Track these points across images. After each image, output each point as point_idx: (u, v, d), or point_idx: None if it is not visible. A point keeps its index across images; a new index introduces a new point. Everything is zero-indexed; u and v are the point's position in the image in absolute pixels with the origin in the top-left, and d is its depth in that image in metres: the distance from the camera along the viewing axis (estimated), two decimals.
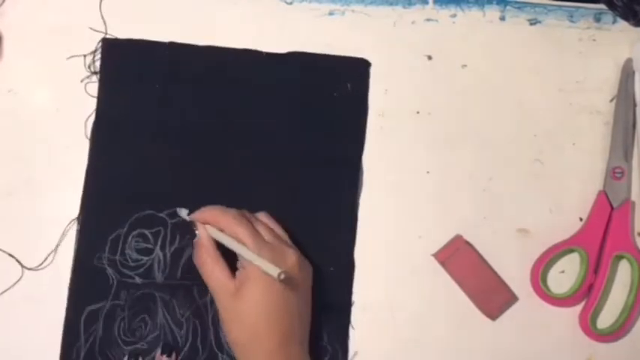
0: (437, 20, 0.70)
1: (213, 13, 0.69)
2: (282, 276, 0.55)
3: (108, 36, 0.67)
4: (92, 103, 0.66)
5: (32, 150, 0.66)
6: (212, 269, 0.59)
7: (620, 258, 0.66)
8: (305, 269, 0.60)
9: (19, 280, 0.64)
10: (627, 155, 0.67)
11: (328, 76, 0.67)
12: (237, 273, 0.59)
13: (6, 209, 0.65)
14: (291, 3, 0.69)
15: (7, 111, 0.67)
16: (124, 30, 0.68)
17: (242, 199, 0.65)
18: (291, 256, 0.60)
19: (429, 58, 0.69)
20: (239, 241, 0.58)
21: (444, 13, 0.70)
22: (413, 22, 0.69)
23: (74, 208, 0.65)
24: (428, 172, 0.67)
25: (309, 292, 0.61)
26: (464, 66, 0.69)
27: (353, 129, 0.67)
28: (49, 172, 0.66)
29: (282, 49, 0.68)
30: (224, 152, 0.66)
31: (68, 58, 0.67)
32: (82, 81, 0.67)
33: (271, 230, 0.61)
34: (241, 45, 0.68)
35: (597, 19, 0.70)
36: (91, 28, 0.67)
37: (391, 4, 0.70)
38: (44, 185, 0.66)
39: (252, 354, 0.58)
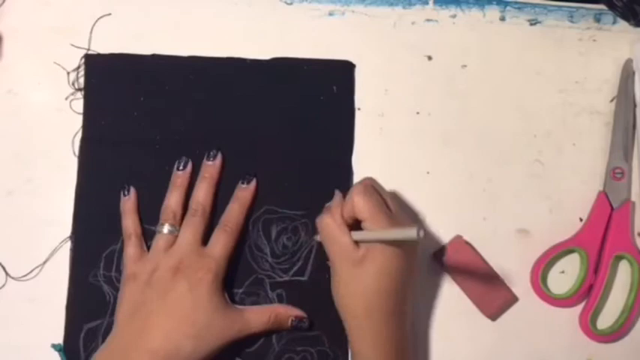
0: (437, 20, 0.70)
1: (213, 13, 0.69)
2: (422, 232, 0.52)
3: (90, 52, 0.67)
4: (77, 120, 0.66)
5: (32, 151, 0.66)
6: (338, 235, 0.58)
7: (620, 258, 0.66)
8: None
9: (2, 287, 0.64)
10: (627, 155, 0.67)
11: (314, 80, 0.67)
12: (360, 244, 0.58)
13: (4, 211, 0.65)
14: (291, 3, 0.69)
15: (7, 111, 0.67)
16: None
17: None
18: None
19: (429, 58, 0.69)
20: (370, 216, 0.58)
21: (444, 13, 0.70)
22: (413, 23, 0.69)
23: (71, 212, 0.65)
24: (428, 173, 0.67)
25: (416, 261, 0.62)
26: (464, 66, 0.69)
27: (342, 131, 0.67)
28: (48, 173, 0.66)
29: (281, 49, 0.68)
30: None
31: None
32: (66, 98, 0.67)
33: (395, 199, 0.61)
34: (241, 45, 0.68)
35: (597, 20, 0.70)
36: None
37: (391, 4, 0.70)
38: (43, 187, 0.65)
39: (366, 324, 0.58)
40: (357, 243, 0.58)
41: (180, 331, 0.58)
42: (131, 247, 0.63)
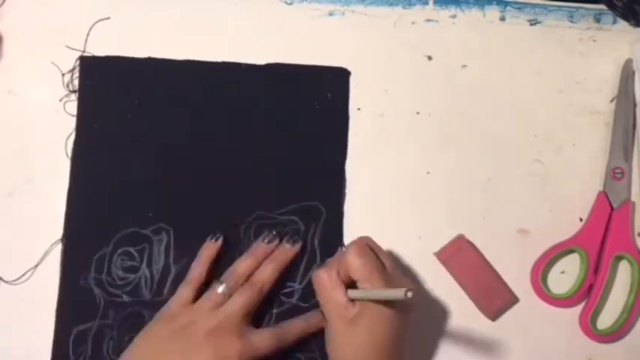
0: (437, 20, 0.70)
1: (213, 13, 0.69)
2: (410, 294, 0.53)
3: (86, 54, 0.67)
4: (71, 122, 0.66)
5: (31, 151, 0.66)
6: (330, 290, 0.58)
7: (620, 258, 0.66)
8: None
9: None
10: (627, 155, 0.67)
11: (308, 87, 0.67)
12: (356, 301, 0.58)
13: (4, 210, 0.65)
14: (291, 3, 0.69)
15: (7, 111, 0.67)
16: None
17: (225, 214, 0.65)
18: (409, 285, 0.59)
19: (429, 58, 0.69)
20: (364, 277, 0.58)
21: (444, 13, 0.70)
22: (413, 23, 0.69)
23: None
24: (428, 173, 0.67)
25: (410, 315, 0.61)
26: (464, 66, 0.69)
27: (335, 138, 0.67)
28: (46, 175, 0.65)
29: (281, 49, 0.68)
30: (206, 167, 0.65)
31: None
32: (60, 100, 0.67)
33: (393, 259, 0.61)
34: (241, 45, 0.68)
35: (597, 20, 0.70)
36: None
37: (391, 4, 0.70)
38: (41, 188, 0.65)
39: None
40: (352, 300, 0.58)
41: None
42: (186, 290, 0.62)
